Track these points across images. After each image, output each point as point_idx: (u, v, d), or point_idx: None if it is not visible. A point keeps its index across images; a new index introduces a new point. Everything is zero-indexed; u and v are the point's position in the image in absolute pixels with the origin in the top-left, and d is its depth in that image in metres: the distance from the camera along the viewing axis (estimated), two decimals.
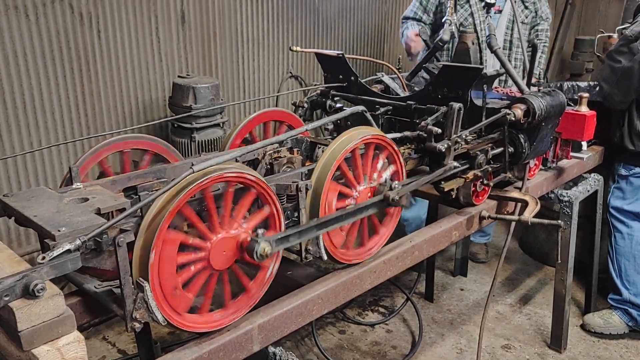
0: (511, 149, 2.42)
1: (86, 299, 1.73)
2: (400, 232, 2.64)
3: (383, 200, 1.90)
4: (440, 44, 2.70)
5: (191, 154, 3.15)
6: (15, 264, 1.36)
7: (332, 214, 1.78)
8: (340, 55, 2.54)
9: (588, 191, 3.16)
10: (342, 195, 1.89)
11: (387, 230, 2.06)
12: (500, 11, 3.60)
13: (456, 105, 2.15)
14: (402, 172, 2.05)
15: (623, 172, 3.25)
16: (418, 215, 3.93)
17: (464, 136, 2.21)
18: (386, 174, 1.99)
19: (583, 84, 4.43)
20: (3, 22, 2.75)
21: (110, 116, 3.27)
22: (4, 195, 1.58)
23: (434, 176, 2.15)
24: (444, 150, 2.13)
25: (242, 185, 1.59)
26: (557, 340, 3.26)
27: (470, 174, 2.27)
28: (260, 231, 1.57)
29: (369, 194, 1.94)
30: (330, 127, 2.64)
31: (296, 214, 1.78)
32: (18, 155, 2.90)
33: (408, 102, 2.34)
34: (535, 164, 2.79)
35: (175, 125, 3.21)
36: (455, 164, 2.21)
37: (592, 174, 3.28)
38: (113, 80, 3.23)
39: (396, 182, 1.95)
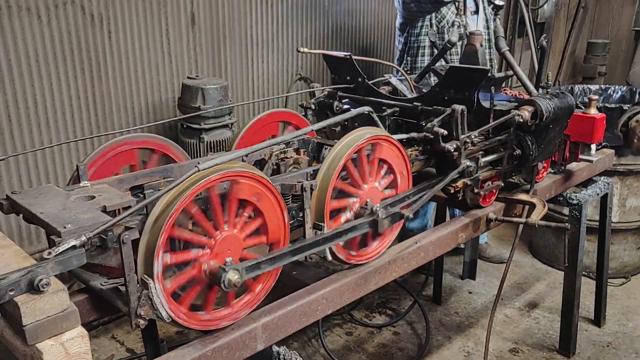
0: (519, 152, 2.41)
1: (93, 297, 1.75)
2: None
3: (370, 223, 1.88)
4: (449, 45, 2.70)
5: (200, 155, 3.17)
6: (22, 259, 1.37)
7: (310, 239, 1.74)
8: (348, 57, 2.54)
9: (598, 194, 3.13)
10: (346, 196, 1.90)
11: (392, 231, 2.06)
12: (476, 12, 3.60)
13: (458, 108, 2.14)
14: (408, 174, 2.05)
15: None
16: (423, 224, 3.93)
17: (473, 137, 2.20)
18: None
19: (595, 87, 4.41)
20: (15, 23, 2.78)
21: (120, 116, 3.30)
22: (12, 193, 1.60)
23: (449, 179, 2.14)
24: (452, 150, 2.12)
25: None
26: (565, 345, 3.23)
27: (459, 183, 2.24)
28: (228, 259, 1.55)
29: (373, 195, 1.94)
30: (338, 128, 2.64)
31: (301, 214, 1.79)
32: (28, 153, 2.93)
33: (414, 103, 2.34)
34: (543, 167, 2.77)
35: (184, 125, 3.23)
36: (469, 162, 2.19)
37: (602, 177, 3.26)
38: (123, 80, 3.26)
39: (376, 205, 1.91)
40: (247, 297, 1.68)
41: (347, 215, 1.91)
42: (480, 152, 2.30)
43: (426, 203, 3.76)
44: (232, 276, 1.50)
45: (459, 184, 2.22)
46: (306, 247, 1.73)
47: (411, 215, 1.95)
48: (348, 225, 1.84)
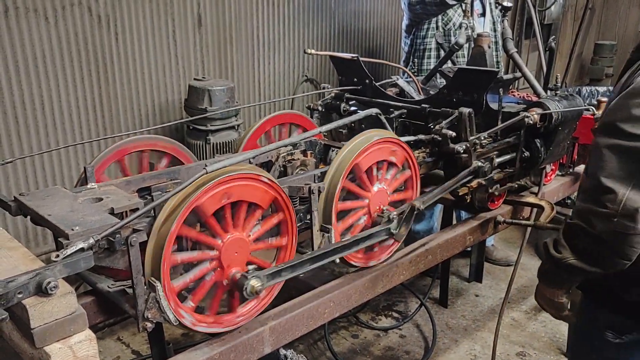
0: (527, 154, 2.39)
1: (100, 299, 1.75)
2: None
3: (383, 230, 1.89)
4: (456, 47, 2.69)
5: (206, 156, 3.17)
6: (30, 262, 1.37)
7: (328, 246, 1.75)
8: (355, 58, 2.53)
9: None
10: (355, 197, 1.89)
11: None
12: (483, 14, 3.59)
13: (465, 111, 2.13)
14: (416, 176, 2.04)
15: None
16: (429, 227, 3.92)
17: (482, 138, 2.19)
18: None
19: (602, 89, 4.38)
20: (23, 24, 2.79)
21: (126, 118, 3.30)
22: (20, 194, 1.60)
23: (459, 178, 2.13)
24: (461, 151, 2.11)
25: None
26: None
27: (474, 182, 2.23)
28: (250, 267, 1.56)
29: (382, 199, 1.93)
30: (345, 130, 2.63)
31: (309, 217, 1.78)
32: (36, 155, 2.93)
33: (422, 105, 2.33)
34: (551, 169, 2.76)
35: (191, 127, 3.23)
36: (480, 163, 2.18)
37: None
38: (130, 82, 3.27)
39: (392, 212, 1.91)
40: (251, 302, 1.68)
41: (362, 220, 1.91)
42: (495, 153, 2.29)
43: (433, 205, 3.77)
44: (254, 283, 1.51)
45: (474, 183, 2.22)
46: (325, 255, 1.72)
47: (422, 207, 1.92)
48: (366, 233, 1.84)
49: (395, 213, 1.89)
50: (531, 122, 2.26)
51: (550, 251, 1.63)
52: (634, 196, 1.40)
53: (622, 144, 1.43)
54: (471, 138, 2.14)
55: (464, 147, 2.10)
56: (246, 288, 1.50)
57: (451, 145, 2.10)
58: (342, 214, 1.87)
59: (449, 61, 2.89)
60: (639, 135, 1.40)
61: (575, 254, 1.56)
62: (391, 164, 1.95)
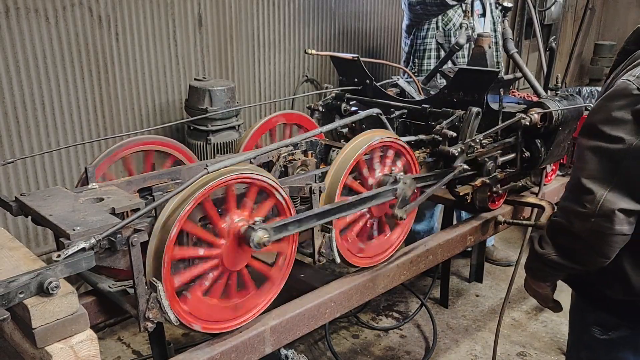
0: (527, 154, 2.39)
1: (101, 299, 1.75)
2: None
3: (389, 191, 1.87)
4: (457, 47, 2.69)
5: (207, 157, 3.17)
6: (31, 262, 1.37)
7: (334, 203, 1.74)
8: (356, 59, 2.53)
9: None
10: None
11: (399, 237, 2.05)
12: (483, 15, 3.59)
13: (474, 109, 2.13)
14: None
15: None
16: (430, 227, 3.92)
17: (478, 140, 2.19)
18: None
19: None
20: (23, 25, 2.79)
21: (127, 118, 3.30)
22: (20, 195, 1.60)
23: (446, 180, 2.13)
24: (457, 154, 2.11)
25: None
26: None
27: (478, 181, 2.24)
28: (257, 219, 1.55)
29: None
30: (345, 130, 2.64)
31: None
32: (36, 155, 2.94)
33: (423, 105, 2.33)
34: (552, 169, 2.76)
35: (191, 127, 3.23)
36: (465, 166, 2.19)
37: None
38: (130, 82, 3.27)
39: (403, 174, 1.91)
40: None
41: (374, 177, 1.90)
42: (499, 152, 2.29)
43: (433, 206, 3.78)
44: (262, 235, 1.50)
45: (478, 182, 2.22)
46: (331, 212, 1.72)
47: (404, 215, 1.91)
48: (373, 192, 1.84)
49: (402, 174, 1.89)
50: (527, 123, 2.25)
51: (535, 247, 1.69)
52: (612, 197, 1.44)
53: (602, 146, 1.46)
54: (467, 140, 2.14)
55: (459, 149, 2.10)
56: (253, 239, 1.49)
57: (446, 147, 2.11)
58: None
59: (450, 61, 2.89)
60: (619, 137, 1.43)
61: (557, 251, 1.62)
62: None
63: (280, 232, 1.59)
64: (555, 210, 1.66)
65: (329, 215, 1.72)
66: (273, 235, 1.55)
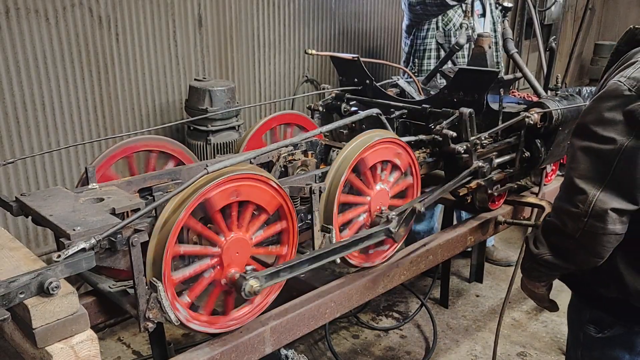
0: (528, 154, 2.39)
1: (101, 299, 1.75)
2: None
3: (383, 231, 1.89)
4: (457, 47, 2.69)
5: (207, 157, 3.17)
6: (31, 262, 1.37)
7: (327, 247, 1.74)
8: (356, 59, 2.53)
9: None
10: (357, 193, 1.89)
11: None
12: (483, 15, 3.59)
13: (466, 111, 2.13)
14: (416, 176, 2.04)
15: None
16: (430, 227, 3.92)
17: (482, 138, 2.19)
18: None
19: None
20: (24, 25, 2.79)
21: (127, 118, 3.30)
22: (21, 195, 1.60)
23: (459, 179, 2.13)
24: (462, 151, 2.11)
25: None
26: None
27: (473, 183, 2.24)
28: (249, 268, 1.55)
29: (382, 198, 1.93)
30: (345, 130, 2.64)
31: (309, 217, 1.78)
32: (36, 155, 2.94)
33: (423, 105, 2.33)
34: (552, 169, 2.76)
35: (191, 127, 3.23)
36: (481, 163, 2.19)
37: None
38: (131, 82, 3.27)
39: (391, 212, 1.91)
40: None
41: (362, 217, 1.90)
42: (494, 153, 2.29)
43: (433, 206, 3.78)
44: (253, 283, 1.50)
45: (473, 184, 2.22)
46: (324, 256, 1.72)
47: (423, 209, 1.93)
48: (365, 233, 1.84)
49: (394, 213, 1.89)
50: (531, 122, 2.26)
51: (530, 246, 1.70)
52: (604, 197, 1.45)
53: (594, 146, 1.47)
54: (472, 138, 2.14)
55: (464, 147, 2.11)
56: (244, 288, 1.50)
57: (452, 145, 2.11)
58: (343, 208, 1.88)
59: (450, 61, 2.89)
60: (610, 137, 1.43)
61: (551, 251, 1.63)
62: (395, 167, 1.96)
63: (272, 279, 1.58)
64: (551, 211, 1.66)
65: (322, 259, 1.71)
66: (265, 283, 1.55)
